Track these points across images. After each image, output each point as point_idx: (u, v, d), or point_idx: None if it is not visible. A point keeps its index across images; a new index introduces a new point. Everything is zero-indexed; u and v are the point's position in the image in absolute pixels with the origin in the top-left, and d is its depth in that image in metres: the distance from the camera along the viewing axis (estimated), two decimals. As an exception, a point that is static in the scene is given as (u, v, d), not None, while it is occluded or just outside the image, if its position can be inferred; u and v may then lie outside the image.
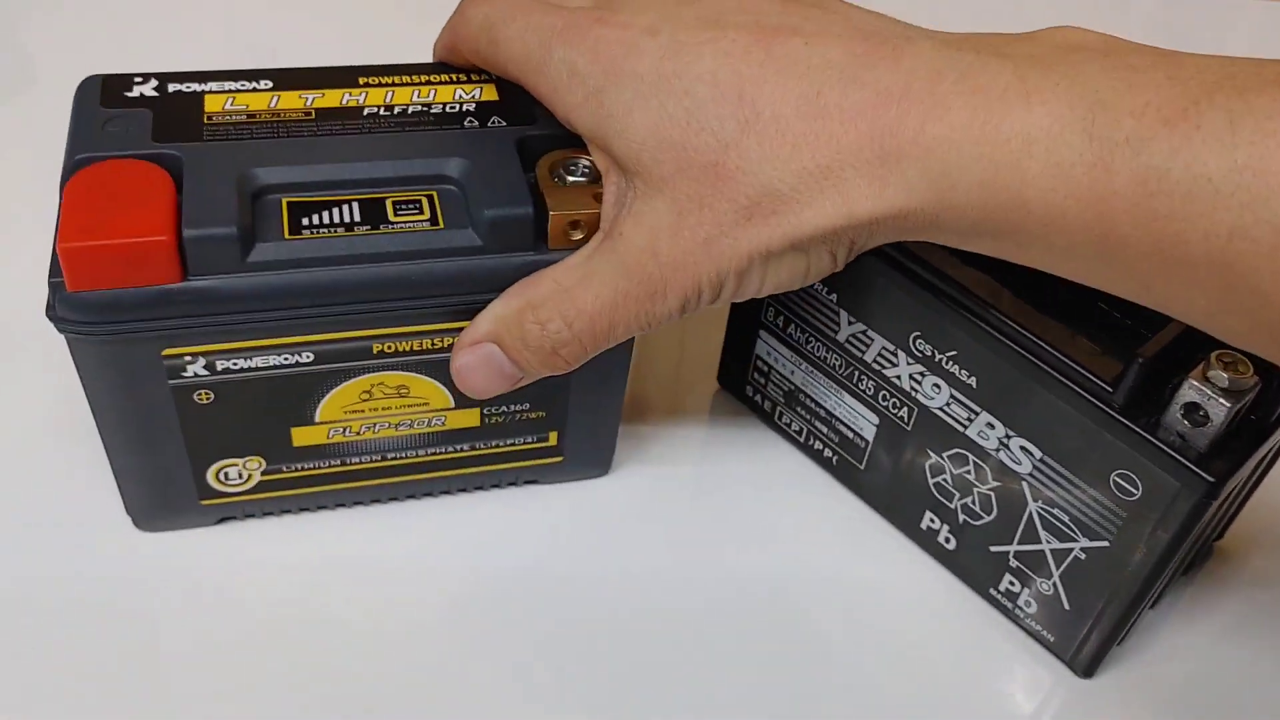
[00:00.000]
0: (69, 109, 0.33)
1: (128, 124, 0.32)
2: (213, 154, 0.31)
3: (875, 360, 0.37)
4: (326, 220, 0.31)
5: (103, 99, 0.33)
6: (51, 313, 0.30)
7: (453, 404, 0.35)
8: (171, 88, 0.34)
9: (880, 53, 0.29)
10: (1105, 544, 0.33)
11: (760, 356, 0.41)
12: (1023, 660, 0.37)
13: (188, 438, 0.33)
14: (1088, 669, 0.36)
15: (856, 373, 0.38)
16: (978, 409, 0.35)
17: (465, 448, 0.37)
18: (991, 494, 0.36)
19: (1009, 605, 0.37)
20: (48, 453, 0.38)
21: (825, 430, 0.40)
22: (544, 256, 0.32)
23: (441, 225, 0.32)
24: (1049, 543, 0.35)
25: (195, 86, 0.34)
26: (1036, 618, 0.37)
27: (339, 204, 0.32)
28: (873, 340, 0.37)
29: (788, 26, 0.30)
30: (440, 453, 0.37)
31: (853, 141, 0.28)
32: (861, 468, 0.40)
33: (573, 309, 0.31)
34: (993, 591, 0.38)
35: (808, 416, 0.41)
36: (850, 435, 0.40)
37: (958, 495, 0.37)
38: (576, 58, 0.31)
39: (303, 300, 0.31)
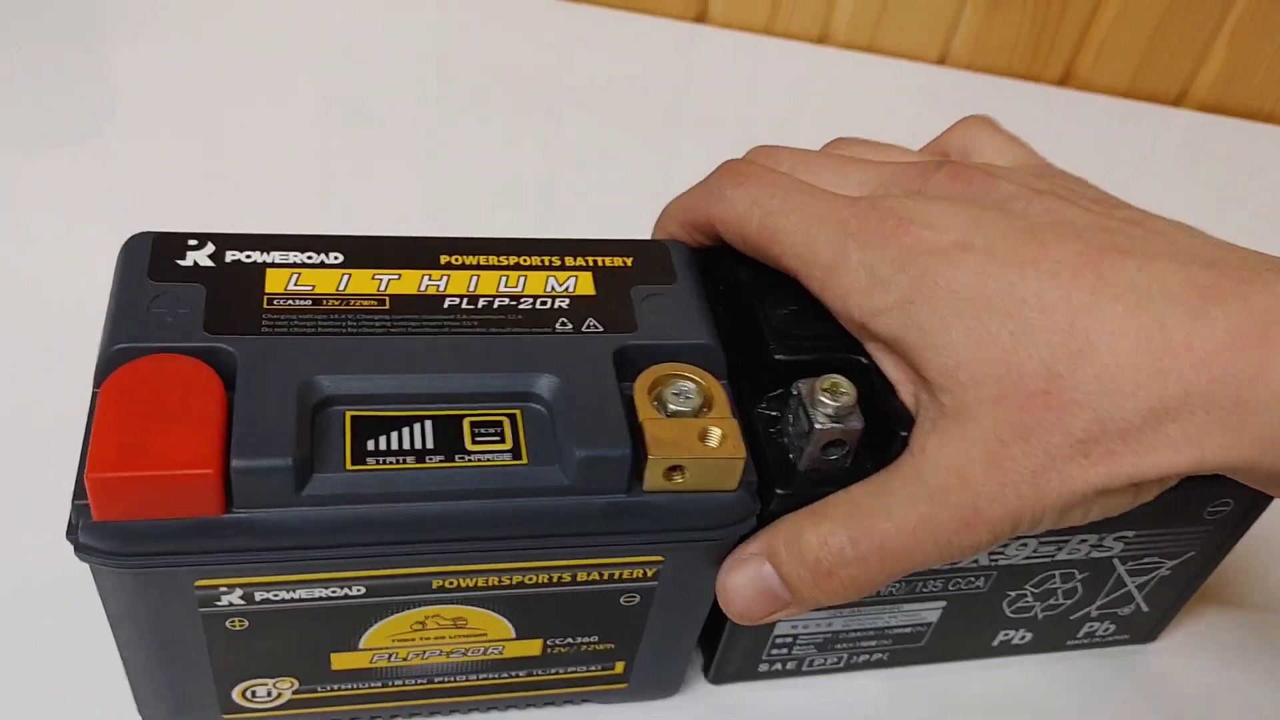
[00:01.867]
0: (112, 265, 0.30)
1: (177, 303, 0.29)
2: (272, 352, 0.28)
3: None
4: (395, 446, 0.28)
5: (151, 268, 0.29)
6: (73, 537, 0.26)
7: (514, 635, 0.32)
8: (230, 256, 0.30)
9: (1225, 285, 0.27)
10: (1191, 554, 0.36)
11: (781, 635, 0.36)
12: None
13: (214, 661, 0.30)
14: (1152, 635, 0.40)
15: (922, 582, 0.35)
16: (1068, 536, 0.33)
17: (522, 674, 0.34)
18: (1077, 584, 0.35)
19: (1085, 640, 0.38)
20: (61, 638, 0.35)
21: (874, 644, 0.37)
22: (636, 499, 0.29)
23: (525, 460, 0.28)
24: (1134, 580, 0.35)
25: (257, 256, 0.31)
26: (1113, 633, 0.39)
27: (411, 422, 0.28)
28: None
29: (1115, 247, 0.28)
30: (494, 678, 0.33)
31: (1205, 386, 0.26)
32: (921, 645, 0.37)
33: (860, 527, 0.29)
34: (1069, 643, 0.38)
35: (848, 649, 0.37)
36: (908, 631, 0.37)
37: (1038, 605, 0.36)
38: (879, 262, 0.29)
39: (361, 538, 0.28)
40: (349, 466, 0.27)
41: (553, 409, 0.29)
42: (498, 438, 0.29)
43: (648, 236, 0.37)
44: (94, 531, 0.26)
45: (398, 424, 0.28)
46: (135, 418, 0.26)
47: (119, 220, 0.38)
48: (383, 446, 0.28)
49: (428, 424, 0.28)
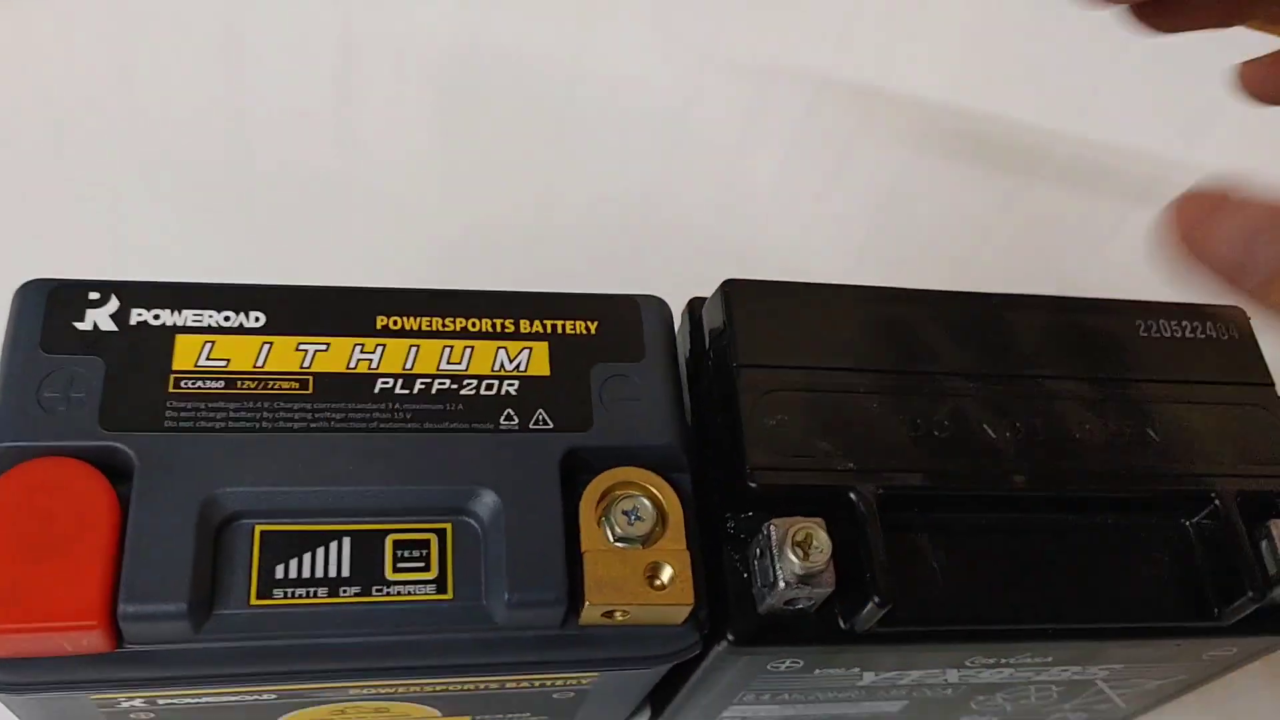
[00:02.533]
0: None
1: (71, 385, 0.26)
2: (174, 456, 0.25)
3: (912, 684, 0.33)
4: (307, 573, 0.26)
5: (44, 334, 0.26)
6: (-41, 652, 0.25)
7: (440, 716, 0.31)
8: (135, 315, 0.27)
9: None
10: (1183, 678, 0.35)
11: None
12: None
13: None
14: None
15: (885, 689, 0.33)
16: (1050, 664, 0.32)
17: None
18: (1053, 692, 0.35)
19: None
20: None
21: None
22: (571, 633, 0.27)
23: (449, 595, 0.26)
24: (1116, 691, 0.35)
25: (166, 316, 0.27)
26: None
27: (328, 540, 0.26)
28: (911, 673, 0.32)
29: None
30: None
31: None
32: None
33: None
34: None
35: None
36: None
37: (1008, 705, 0.36)
38: None
39: (266, 669, 0.26)
40: (254, 601, 0.25)
41: (486, 530, 0.27)
42: (422, 564, 0.26)
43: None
44: (-19, 660, 0.25)
45: (312, 543, 0.26)
46: (20, 548, 0.24)
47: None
48: (293, 574, 0.26)
49: (345, 542, 0.26)
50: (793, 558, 0.27)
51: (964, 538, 0.30)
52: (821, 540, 0.27)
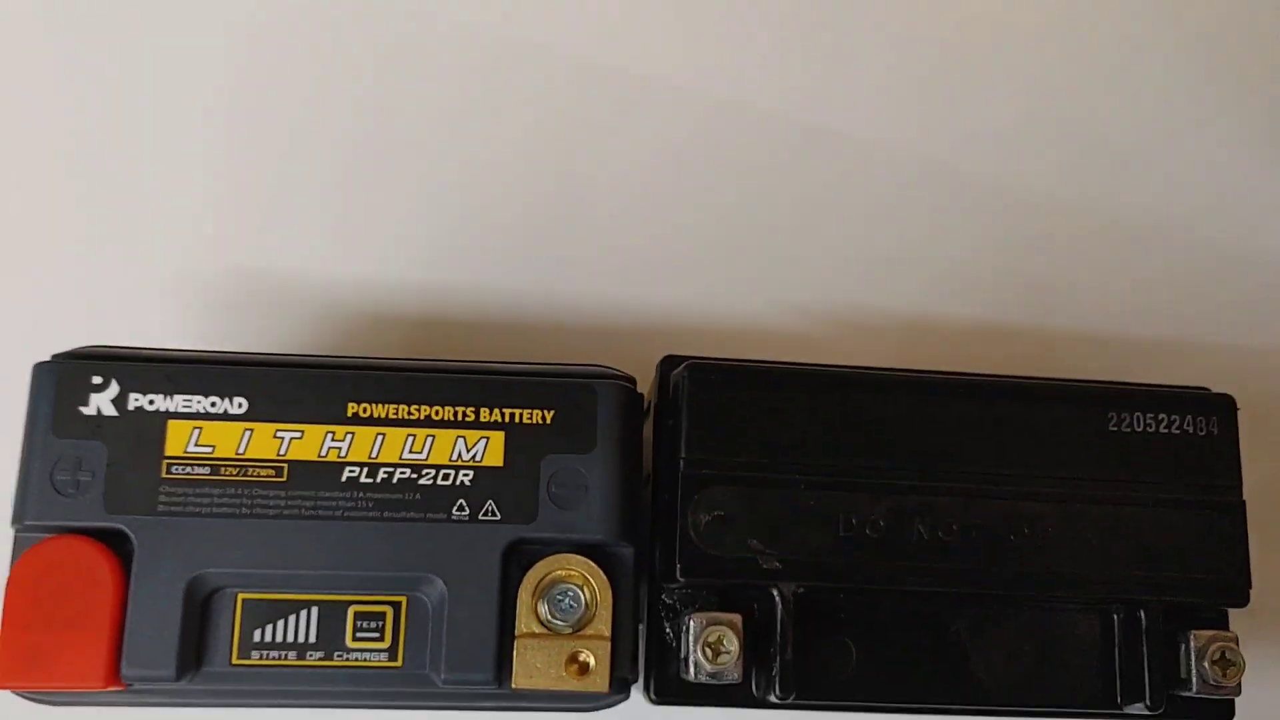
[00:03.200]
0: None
1: (79, 468, 0.30)
2: (166, 539, 0.30)
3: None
4: (280, 638, 0.31)
5: (56, 418, 0.30)
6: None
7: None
8: (133, 402, 0.31)
9: None
10: None
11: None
12: None
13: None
14: None
15: None
16: None
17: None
18: None
19: None
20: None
21: None
22: (504, 692, 0.31)
23: (399, 663, 0.31)
24: None
25: (159, 402, 0.31)
26: None
27: (299, 609, 0.31)
28: None
29: None
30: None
31: None
32: None
33: None
34: None
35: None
36: None
37: None
38: None
39: (245, 705, 0.32)
40: (234, 661, 0.30)
41: (434, 610, 0.31)
42: (378, 634, 0.31)
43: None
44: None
45: (285, 610, 0.31)
46: (39, 617, 0.29)
47: None
48: (268, 638, 0.31)
49: (314, 611, 0.31)
50: (702, 658, 0.31)
51: (885, 627, 0.33)
52: (731, 643, 0.31)
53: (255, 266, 0.40)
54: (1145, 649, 0.32)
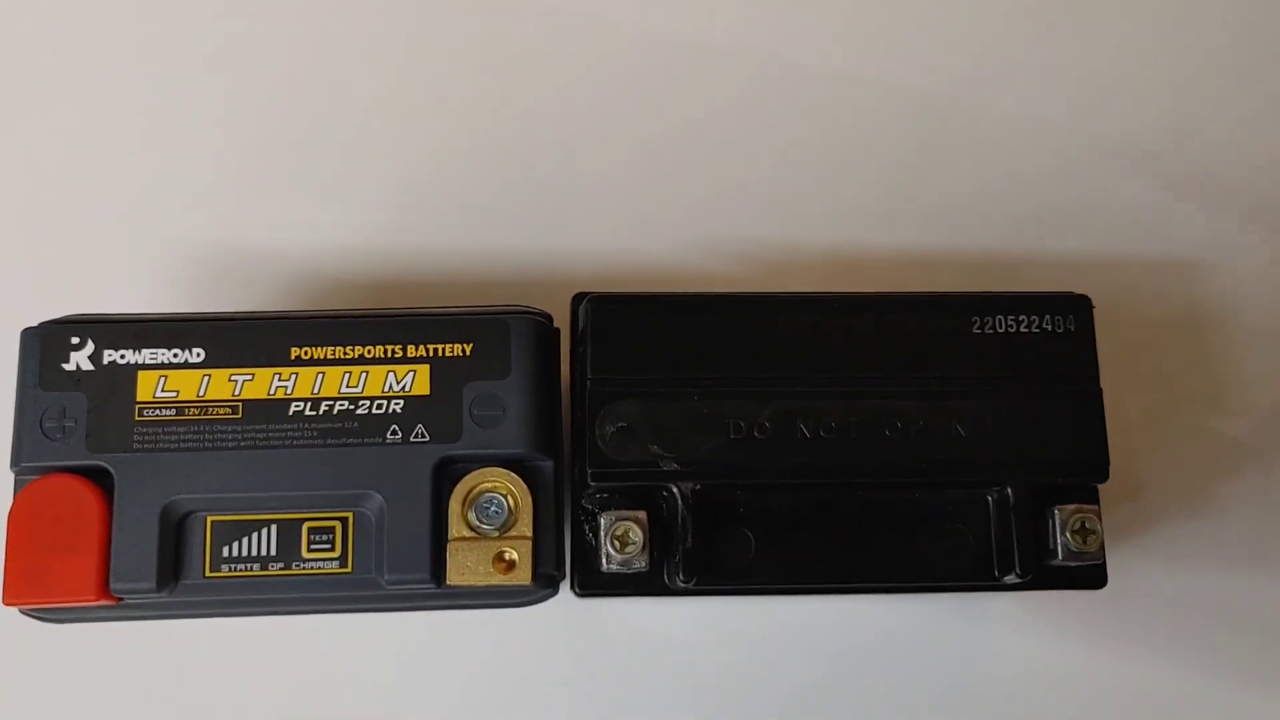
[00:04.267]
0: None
1: (64, 416, 0.36)
2: (142, 472, 0.36)
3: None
4: (245, 552, 0.36)
5: (41, 374, 0.36)
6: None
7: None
8: (107, 357, 0.37)
9: None
10: None
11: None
12: None
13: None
14: None
15: None
16: None
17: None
18: None
19: None
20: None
21: None
22: (444, 590, 0.37)
23: (349, 569, 0.36)
24: None
25: (129, 355, 0.37)
26: None
27: (260, 527, 0.36)
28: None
29: None
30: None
31: None
32: None
33: None
34: None
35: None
36: None
37: None
38: None
39: (220, 613, 0.38)
40: (207, 574, 0.36)
41: (376, 521, 0.36)
42: (329, 546, 0.36)
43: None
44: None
45: (248, 529, 0.37)
46: (38, 544, 0.35)
47: None
48: (235, 553, 0.36)
49: (273, 529, 0.37)
50: (612, 549, 0.36)
51: (778, 517, 0.38)
52: (635, 536, 0.36)
53: (222, 238, 0.46)
54: (1014, 523, 0.37)
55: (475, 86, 0.48)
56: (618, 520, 0.36)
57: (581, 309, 0.38)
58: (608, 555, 0.36)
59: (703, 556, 0.37)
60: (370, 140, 0.47)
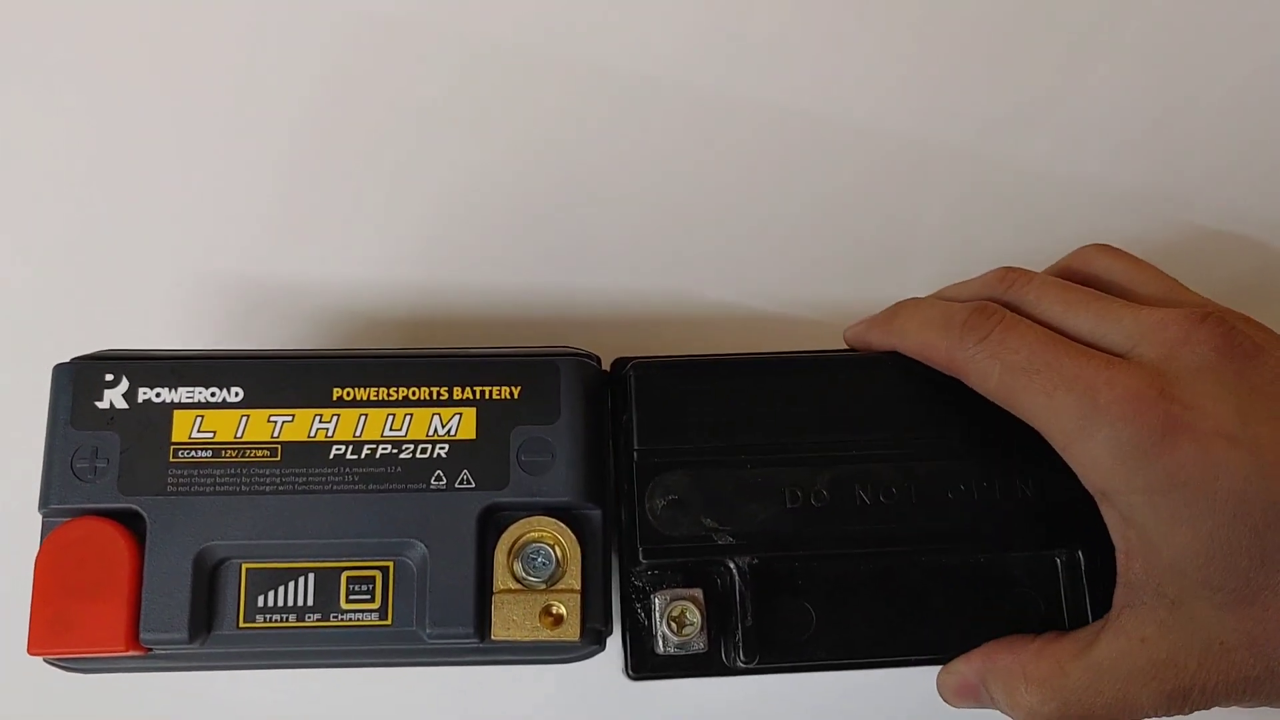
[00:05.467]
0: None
1: (96, 456, 0.36)
2: (175, 516, 0.36)
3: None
4: (281, 602, 0.36)
5: (74, 412, 0.36)
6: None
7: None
8: (141, 395, 0.36)
9: None
10: None
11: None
12: None
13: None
14: None
15: None
16: None
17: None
18: None
19: None
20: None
21: None
22: (486, 645, 0.36)
23: (389, 622, 0.36)
24: None
25: (165, 394, 0.37)
26: None
27: (296, 575, 0.36)
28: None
29: None
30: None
31: None
32: None
33: (1071, 700, 0.34)
34: None
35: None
36: None
37: None
38: (1129, 441, 0.32)
39: (251, 665, 0.37)
40: (241, 625, 0.36)
41: (419, 571, 0.36)
42: (368, 596, 0.36)
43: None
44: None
45: (285, 577, 0.36)
46: (66, 589, 0.35)
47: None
48: (270, 603, 0.36)
49: (310, 578, 0.36)
50: (668, 631, 0.36)
51: (840, 588, 0.37)
52: (694, 616, 0.36)
53: (255, 273, 0.46)
54: (1085, 586, 0.37)
55: (511, 122, 0.48)
56: (673, 600, 0.36)
57: (626, 375, 0.38)
58: (664, 638, 0.36)
59: (762, 633, 0.36)
60: (404, 175, 0.47)
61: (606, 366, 0.39)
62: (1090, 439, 0.33)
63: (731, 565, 0.36)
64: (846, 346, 0.41)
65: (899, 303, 0.39)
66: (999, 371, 0.35)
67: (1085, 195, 0.48)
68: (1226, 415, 0.32)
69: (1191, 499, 0.32)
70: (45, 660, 0.36)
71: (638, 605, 0.37)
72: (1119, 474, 0.32)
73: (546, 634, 0.36)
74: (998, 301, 0.37)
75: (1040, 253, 0.42)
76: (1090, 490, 0.34)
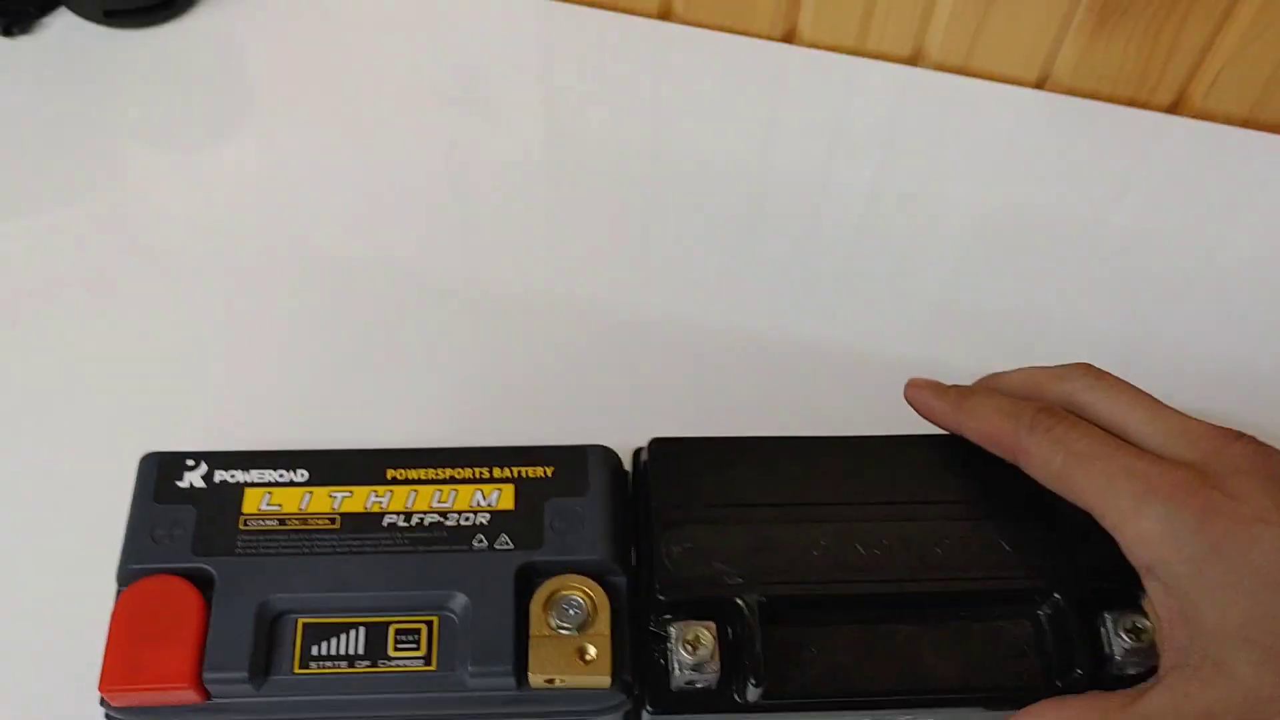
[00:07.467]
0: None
1: (174, 525, 0.43)
2: (242, 573, 0.42)
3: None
4: (333, 651, 0.41)
5: (157, 490, 0.44)
6: (104, 709, 0.41)
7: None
8: (218, 476, 0.44)
9: None
10: None
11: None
12: None
13: None
14: None
15: None
16: None
17: None
18: None
19: None
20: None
21: None
22: (523, 693, 0.41)
23: (434, 667, 0.41)
24: None
25: (239, 475, 0.44)
26: None
27: (348, 629, 0.42)
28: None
29: None
30: None
31: None
32: None
33: None
34: None
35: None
36: None
37: None
38: (1176, 518, 0.39)
39: (307, 714, 0.42)
40: (296, 670, 0.41)
41: (461, 622, 0.42)
42: (415, 645, 0.42)
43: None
44: (113, 709, 0.41)
45: (337, 630, 0.42)
46: (139, 636, 0.41)
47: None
48: (324, 652, 0.41)
49: (361, 630, 0.42)
50: (683, 653, 0.41)
51: (839, 629, 0.43)
52: (706, 640, 0.42)
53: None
54: (1074, 631, 0.42)
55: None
56: (688, 627, 0.42)
57: (643, 451, 0.46)
58: (680, 662, 0.41)
59: (771, 666, 0.42)
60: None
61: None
62: (1143, 517, 0.39)
63: (741, 602, 0.42)
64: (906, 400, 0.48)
65: (979, 381, 0.47)
66: (1062, 458, 0.42)
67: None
68: (1264, 504, 0.38)
69: (1231, 569, 0.38)
70: (107, 714, 0.41)
71: (655, 651, 0.43)
72: (1167, 546, 0.39)
73: (582, 672, 0.41)
74: (1072, 386, 0.44)
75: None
76: (1136, 565, 0.40)
